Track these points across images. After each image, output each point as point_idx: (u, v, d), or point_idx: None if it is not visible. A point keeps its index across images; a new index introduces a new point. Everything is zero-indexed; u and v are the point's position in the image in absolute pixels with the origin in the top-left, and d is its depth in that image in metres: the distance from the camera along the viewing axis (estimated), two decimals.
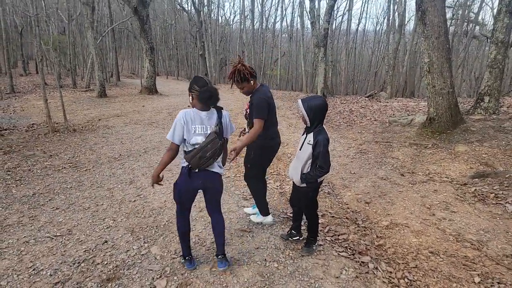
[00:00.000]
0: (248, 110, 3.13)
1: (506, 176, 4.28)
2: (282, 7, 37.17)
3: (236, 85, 3.00)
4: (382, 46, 28.30)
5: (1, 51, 21.25)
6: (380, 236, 3.24)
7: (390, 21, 20.51)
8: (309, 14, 16.13)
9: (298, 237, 3.12)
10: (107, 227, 3.37)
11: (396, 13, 16.59)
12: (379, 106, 10.80)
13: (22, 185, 4.51)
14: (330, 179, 4.81)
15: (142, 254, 2.89)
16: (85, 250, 2.94)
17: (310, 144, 2.64)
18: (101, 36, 20.36)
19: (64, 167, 5.34)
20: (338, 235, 3.27)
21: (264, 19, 30.95)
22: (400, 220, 3.52)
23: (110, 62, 27.12)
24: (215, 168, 2.50)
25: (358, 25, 28.21)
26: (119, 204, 3.95)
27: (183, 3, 34.47)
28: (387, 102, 11.65)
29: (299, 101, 2.70)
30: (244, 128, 3.39)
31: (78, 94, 16.21)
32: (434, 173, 4.80)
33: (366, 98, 13.31)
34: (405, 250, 3.01)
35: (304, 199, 2.92)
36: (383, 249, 3.04)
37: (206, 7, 27.40)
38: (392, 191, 4.30)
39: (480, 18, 23.38)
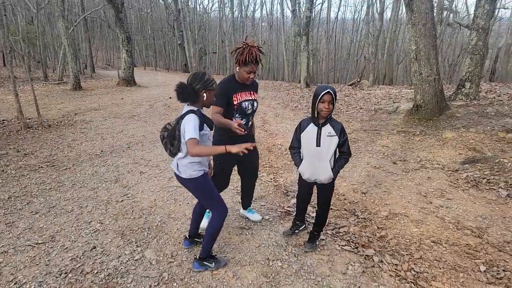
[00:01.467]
0: (257, 98, 2.87)
1: (496, 161, 4.33)
2: None
3: (249, 69, 2.57)
4: (360, 34, 28.47)
5: None
6: (381, 227, 3.18)
7: (370, 8, 20.58)
8: (289, 2, 15.89)
9: (303, 226, 3.06)
10: (94, 231, 3.14)
11: (377, 1, 16.62)
12: (363, 94, 10.83)
13: None
14: None
15: (135, 260, 2.70)
16: (72, 259, 2.71)
17: (332, 136, 2.47)
18: (73, 26, 19.38)
19: (41, 167, 5.00)
20: (339, 228, 3.19)
21: (244, 7, 30.42)
22: (399, 210, 3.48)
23: (83, 53, 25.96)
24: (174, 166, 2.40)
25: (337, 13, 28.15)
26: (105, 205, 3.70)
27: None
28: (370, 90, 11.70)
29: (331, 91, 2.37)
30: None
31: (50, 87, 15.41)
32: (425, 160, 4.80)
33: (349, 86, 13.34)
34: (408, 240, 2.96)
35: (330, 194, 2.76)
36: (386, 240, 2.99)
37: None
38: (387, 180, 4.26)
39: (453, 6, 23.83)
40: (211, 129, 2.37)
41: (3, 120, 8.38)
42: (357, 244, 2.91)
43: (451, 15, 21.33)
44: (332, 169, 2.56)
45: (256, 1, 31.12)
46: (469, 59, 7.68)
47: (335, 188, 4.07)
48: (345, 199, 3.81)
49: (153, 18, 32.78)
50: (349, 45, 30.19)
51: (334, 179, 2.64)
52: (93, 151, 5.80)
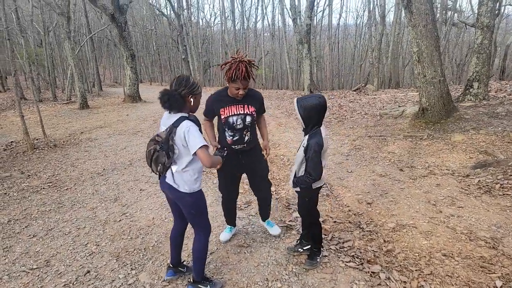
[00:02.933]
0: (253, 112, 2.69)
1: (509, 164, 4.12)
2: (262, 6, 36.96)
3: (236, 86, 2.47)
4: (364, 39, 28.36)
5: None
6: (388, 241, 3.01)
7: (371, 13, 20.50)
8: (290, 11, 15.94)
9: (309, 245, 2.86)
10: (90, 254, 3.05)
11: (378, 4, 16.54)
12: (368, 99, 10.66)
13: None
14: (327, 179, 4.57)
15: (129, 284, 2.58)
16: (65, 284, 2.62)
17: (303, 147, 2.44)
18: (80, 46, 19.82)
19: (43, 188, 4.97)
20: (343, 243, 3.03)
21: (245, 19, 30.67)
22: (407, 221, 3.30)
23: (91, 72, 26.44)
24: (169, 179, 2.22)
25: (339, 19, 28.16)
26: (103, 226, 3.62)
27: (162, 8, 33.98)
28: (375, 95, 11.52)
29: (295, 100, 2.47)
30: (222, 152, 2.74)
31: (59, 107, 15.65)
32: (434, 165, 4.61)
33: (354, 92, 13.18)
34: (417, 254, 2.78)
35: (302, 206, 2.71)
36: (393, 255, 2.81)
37: (185, 10, 27.00)
38: (393, 188, 4.08)
39: (457, 5, 23.58)
40: None
41: (12, 141, 8.47)
42: (362, 260, 2.74)
43: (456, 14, 21.09)
44: (294, 177, 2.56)
45: (257, 13, 31.41)
46: (476, 58, 7.48)
47: (338, 199, 3.94)
48: (349, 211, 3.64)
49: (157, 34, 33.31)
50: (353, 50, 30.07)
51: (301, 192, 2.61)
52: (95, 169, 5.77)
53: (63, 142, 8.62)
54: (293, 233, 3.26)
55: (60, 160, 6.50)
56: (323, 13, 29.47)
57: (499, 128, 5.37)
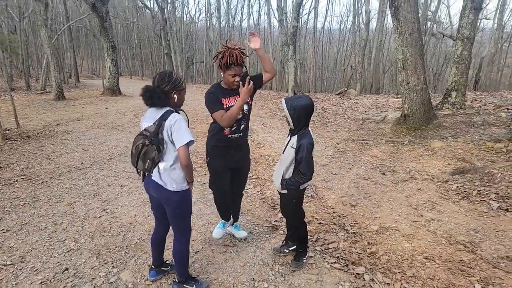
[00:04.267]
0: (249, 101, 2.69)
1: (485, 171, 4.29)
2: (248, 5, 36.89)
3: (232, 72, 2.48)
4: (347, 44, 28.86)
5: None
6: (372, 243, 3.06)
7: (356, 19, 20.89)
8: (276, 12, 15.98)
9: (295, 246, 2.84)
10: (68, 251, 2.93)
11: (363, 11, 16.87)
12: (350, 103, 10.85)
13: None
14: (312, 181, 4.60)
15: (110, 283, 2.49)
16: (42, 282, 2.49)
17: (293, 148, 2.43)
18: (57, 35, 19.06)
19: (17, 180, 4.74)
20: (328, 244, 3.05)
21: (231, 17, 30.53)
22: (389, 224, 3.36)
23: (68, 62, 25.52)
24: (155, 176, 2.14)
25: (324, 23, 28.50)
26: (81, 222, 3.48)
27: (145, 0, 33.24)
28: (357, 99, 11.74)
29: (283, 100, 2.47)
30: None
31: (32, 97, 14.98)
32: (415, 170, 4.74)
33: (337, 96, 13.37)
34: (399, 257, 2.84)
35: (288, 207, 2.70)
36: (376, 257, 2.86)
37: (169, 4, 26.54)
38: (376, 191, 4.16)
39: (437, 16, 24.43)
40: None
41: None
42: (347, 262, 2.77)
43: (435, 25, 21.85)
44: (282, 179, 2.53)
45: (243, 11, 31.36)
46: (455, 68, 7.75)
47: (323, 201, 3.97)
48: (334, 212, 3.68)
49: (139, 27, 32.56)
50: (336, 54, 30.55)
51: (288, 193, 2.58)
52: (72, 163, 5.55)
53: (37, 133, 8.25)
54: (279, 232, 3.26)
55: (35, 152, 6.22)
56: (308, 15, 29.79)
57: (476, 137, 5.59)
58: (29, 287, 2.45)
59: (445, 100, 7.97)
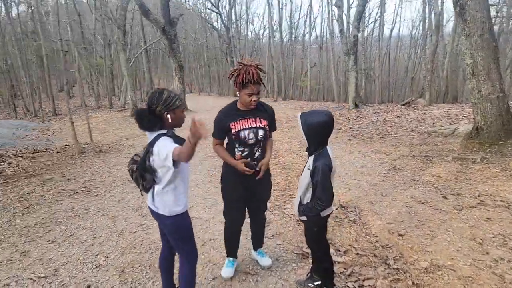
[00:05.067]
0: (266, 126, 2.49)
1: None
2: (310, 18, 36.57)
3: (249, 91, 2.30)
4: (419, 50, 26.76)
5: (46, 76, 22.70)
6: (418, 284, 2.57)
7: (426, 23, 19.27)
8: (337, 22, 15.53)
9: (320, 282, 2.51)
10: (96, 267, 3.01)
11: (432, 14, 15.48)
12: (417, 114, 9.85)
13: (28, 214, 4.34)
14: (357, 202, 4.16)
15: None
16: None
17: (309, 170, 2.17)
18: (134, 58, 21.09)
19: (77, 192, 5.16)
20: (363, 280, 2.65)
21: (293, 31, 30.69)
22: (444, 261, 2.81)
23: (146, 81, 28.12)
24: (149, 201, 2.08)
25: (392, 30, 26.94)
26: (117, 236, 3.60)
27: (213, 21, 35.22)
28: (426, 110, 10.63)
29: (298, 115, 2.22)
30: (253, 164, 2.50)
31: (113, 114, 16.71)
32: (486, 195, 3.98)
33: (402, 106, 12.32)
34: None
35: (309, 236, 2.44)
36: None
37: (234, 23, 27.70)
38: (433, 219, 3.57)
39: None
40: None
41: (66, 145, 9.07)
42: None
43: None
44: (299, 205, 2.29)
45: (306, 25, 31.09)
46: None
47: (366, 227, 3.53)
48: (377, 242, 3.23)
49: (208, 46, 34.53)
50: (406, 62, 28.50)
51: (308, 220, 2.34)
52: (128, 176, 5.88)
53: (108, 147, 9.05)
54: (308, 262, 2.94)
55: (100, 165, 6.77)
56: (374, 24, 28.45)
57: None
58: None
59: None
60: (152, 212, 2.08)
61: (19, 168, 6.85)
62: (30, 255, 3.27)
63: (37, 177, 6.07)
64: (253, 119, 2.43)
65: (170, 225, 2.03)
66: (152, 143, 1.90)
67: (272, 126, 2.58)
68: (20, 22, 23.58)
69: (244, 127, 2.40)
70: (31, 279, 2.84)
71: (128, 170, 2.06)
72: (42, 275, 2.90)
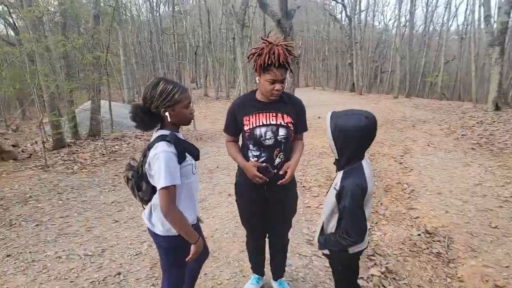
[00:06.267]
0: (289, 124, 1.95)
1: None
2: (451, 4, 31.10)
3: (271, 77, 1.78)
4: None
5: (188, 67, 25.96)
6: None
7: None
8: (483, 6, 12.69)
9: None
10: (136, 254, 3.03)
11: None
12: None
13: (113, 191, 4.80)
14: (450, 231, 3.14)
15: None
16: (92, 281, 2.63)
17: (336, 190, 1.60)
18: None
19: None
20: None
21: (428, 21, 26.80)
22: None
23: None
24: (144, 215, 1.73)
25: None
26: None
27: (336, 13, 33.81)
28: None
29: (328, 115, 1.65)
30: (267, 166, 1.95)
31: (228, 105, 17.91)
32: None
33: None
34: None
35: (335, 274, 1.85)
36: None
37: (358, 14, 25.93)
38: None
39: None
40: (196, 159, 1.69)
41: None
42: None
43: None
44: (320, 234, 1.76)
45: (445, 13, 26.07)
46: None
47: (452, 266, 2.62)
48: None
49: (329, 39, 33.43)
50: None
51: (331, 255, 1.77)
52: (210, 166, 6.04)
53: (209, 136, 9.60)
54: None
55: None
56: None
57: None
58: (83, 282, 2.61)
59: None
60: (148, 229, 1.72)
61: (133, 148, 7.82)
62: (92, 231, 3.53)
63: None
64: (274, 114, 1.91)
65: (163, 246, 1.69)
66: (149, 146, 1.58)
67: (299, 126, 2.01)
68: (160, 20, 27.42)
69: (261, 123, 1.90)
70: (79, 255, 3.02)
71: (123, 177, 1.72)
72: (90, 253, 3.06)
